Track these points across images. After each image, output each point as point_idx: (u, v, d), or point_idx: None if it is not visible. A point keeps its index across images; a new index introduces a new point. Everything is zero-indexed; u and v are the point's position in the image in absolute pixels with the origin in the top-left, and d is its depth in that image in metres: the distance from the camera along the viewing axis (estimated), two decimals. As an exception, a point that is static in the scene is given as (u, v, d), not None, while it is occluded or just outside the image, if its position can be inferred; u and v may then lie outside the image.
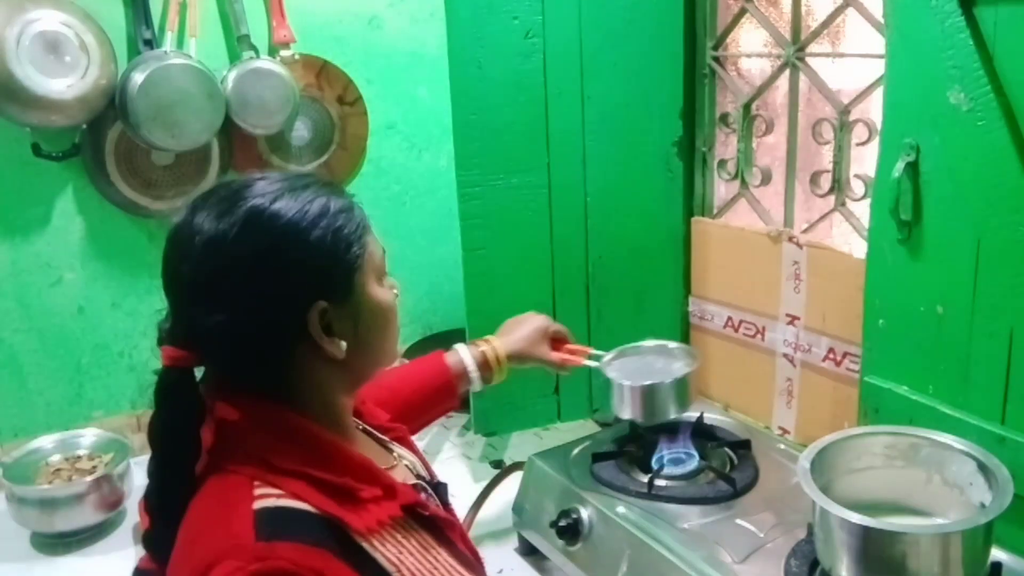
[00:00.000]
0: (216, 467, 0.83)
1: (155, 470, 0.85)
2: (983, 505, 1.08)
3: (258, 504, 0.78)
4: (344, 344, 0.86)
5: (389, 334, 0.93)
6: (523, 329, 1.41)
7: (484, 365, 1.36)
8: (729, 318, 1.84)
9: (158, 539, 0.84)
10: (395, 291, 0.95)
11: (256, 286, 0.81)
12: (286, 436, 0.84)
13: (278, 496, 0.80)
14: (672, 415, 1.41)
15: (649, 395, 1.40)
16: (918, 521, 1.18)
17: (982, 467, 1.10)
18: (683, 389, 1.41)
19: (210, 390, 0.85)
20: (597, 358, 1.49)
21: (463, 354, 1.36)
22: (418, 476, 1.04)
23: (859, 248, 1.53)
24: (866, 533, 1.03)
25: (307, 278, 0.83)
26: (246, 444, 0.82)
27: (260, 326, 0.82)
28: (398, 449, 1.06)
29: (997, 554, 1.12)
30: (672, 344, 1.53)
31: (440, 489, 1.05)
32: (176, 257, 0.83)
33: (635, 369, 1.48)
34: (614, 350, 1.50)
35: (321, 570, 0.76)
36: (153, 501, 0.86)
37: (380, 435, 1.05)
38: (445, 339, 2.25)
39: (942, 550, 1.02)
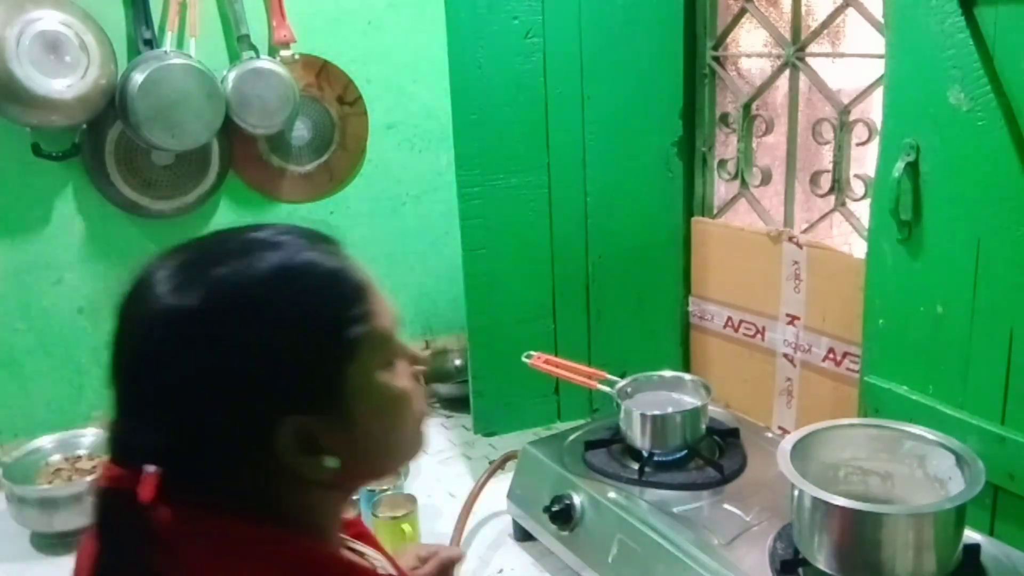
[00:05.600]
0: None
1: None
2: None
3: None
4: (333, 462, 0.65)
5: (405, 428, 0.71)
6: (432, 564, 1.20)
7: None
8: (729, 318, 1.84)
9: None
10: (418, 367, 0.72)
11: (201, 392, 0.61)
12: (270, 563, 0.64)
13: None
14: (682, 445, 1.43)
15: (660, 424, 1.42)
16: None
17: (960, 461, 1.11)
18: (695, 420, 1.43)
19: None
20: (611, 383, 1.50)
21: None
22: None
23: (859, 248, 1.53)
24: (838, 513, 1.05)
25: (273, 384, 0.62)
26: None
27: (207, 445, 0.62)
28: (363, 549, 0.90)
29: (974, 536, 1.13)
30: (688, 376, 1.55)
31: None
32: (127, 326, 0.63)
33: (648, 398, 1.51)
34: (629, 377, 1.52)
35: None
36: None
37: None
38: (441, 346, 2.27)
39: (913, 532, 1.03)
